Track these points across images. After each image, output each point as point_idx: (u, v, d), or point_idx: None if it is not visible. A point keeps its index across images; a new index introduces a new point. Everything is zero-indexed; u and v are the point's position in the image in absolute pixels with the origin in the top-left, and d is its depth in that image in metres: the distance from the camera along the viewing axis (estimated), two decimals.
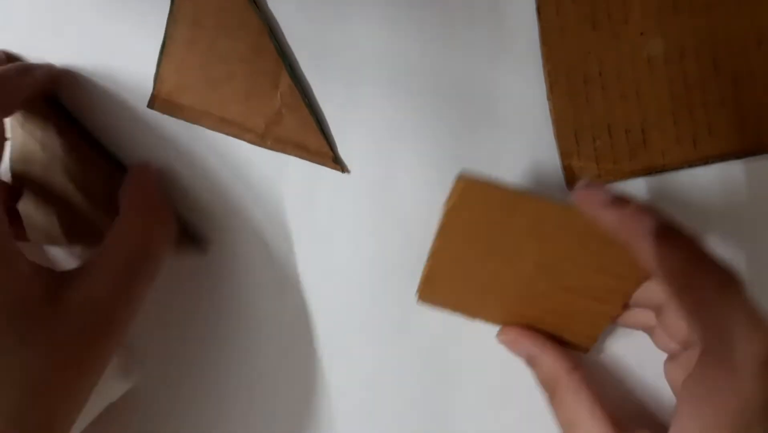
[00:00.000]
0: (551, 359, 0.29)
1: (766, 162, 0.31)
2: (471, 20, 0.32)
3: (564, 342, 0.30)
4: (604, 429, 0.27)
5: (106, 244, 0.28)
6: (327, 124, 0.32)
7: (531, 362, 0.30)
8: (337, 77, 0.32)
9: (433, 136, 0.32)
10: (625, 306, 0.29)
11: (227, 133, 0.33)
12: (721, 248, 0.31)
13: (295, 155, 0.32)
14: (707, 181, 0.31)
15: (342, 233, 0.33)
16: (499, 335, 0.31)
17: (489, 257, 0.29)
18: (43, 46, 0.33)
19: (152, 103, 0.33)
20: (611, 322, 0.30)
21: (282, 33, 0.32)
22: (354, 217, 0.33)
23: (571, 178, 0.31)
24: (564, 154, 0.31)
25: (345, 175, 0.32)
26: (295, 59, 0.32)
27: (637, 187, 0.31)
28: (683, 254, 0.22)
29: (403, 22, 0.32)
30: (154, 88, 0.33)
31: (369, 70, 0.32)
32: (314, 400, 0.34)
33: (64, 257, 0.34)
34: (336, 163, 0.32)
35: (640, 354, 0.31)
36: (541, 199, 0.27)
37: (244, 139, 0.32)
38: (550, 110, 0.31)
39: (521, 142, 0.32)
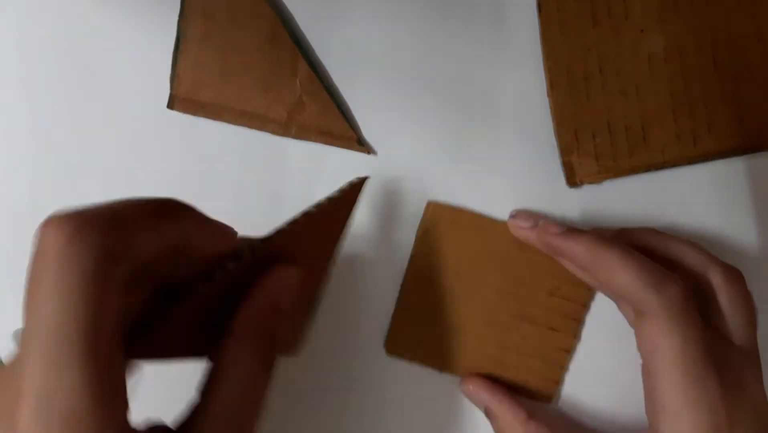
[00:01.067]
0: (507, 410, 0.29)
1: (764, 160, 0.31)
2: (472, 16, 0.32)
3: (528, 392, 0.31)
4: None
5: (214, 391, 0.21)
6: (348, 108, 0.33)
7: (488, 414, 0.30)
8: (341, 70, 0.32)
9: (434, 131, 0.32)
10: (577, 337, 0.31)
11: (250, 126, 0.32)
12: (720, 243, 0.31)
13: (320, 141, 0.32)
14: (707, 178, 0.31)
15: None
16: (460, 385, 0.31)
17: (455, 284, 0.31)
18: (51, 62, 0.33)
19: (172, 104, 0.32)
20: (568, 357, 0.31)
21: (296, 21, 0.32)
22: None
23: (570, 174, 0.31)
24: (564, 150, 0.31)
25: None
26: (311, 47, 0.32)
27: (636, 184, 0.31)
28: (585, 244, 0.27)
29: (405, 16, 0.32)
30: (171, 89, 0.32)
31: (370, 63, 0.32)
32: None
33: None
34: (361, 145, 0.32)
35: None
36: (498, 222, 0.31)
37: (268, 130, 0.32)
38: (550, 107, 0.31)
39: (521, 138, 0.32)
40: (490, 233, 0.31)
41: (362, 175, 0.27)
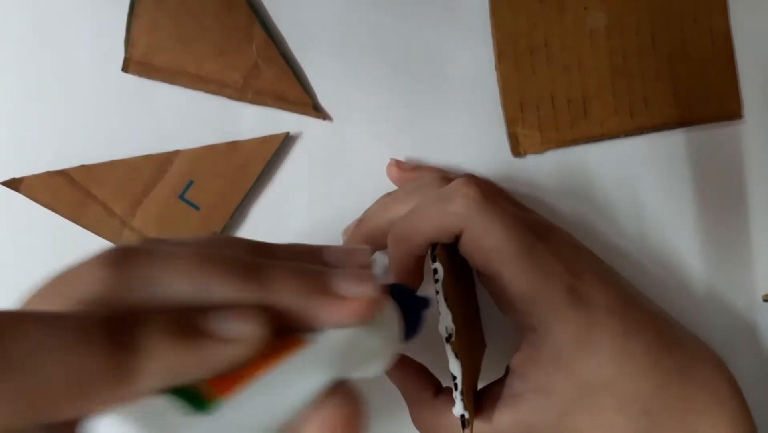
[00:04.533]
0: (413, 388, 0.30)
1: (696, 133, 0.33)
2: None
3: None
4: (482, 416, 0.27)
5: None
6: (304, 74, 0.33)
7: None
8: (295, 38, 0.33)
9: (386, 101, 0.33)
10: None
11: (205, 91, 0.33)
12: (651, 211, 0.33)
13: (276, 107, 0.33)
14: (643, 150, 0.33)
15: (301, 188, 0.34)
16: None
17: None
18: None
19: (126, 67, 0.33)
20: None
21: None
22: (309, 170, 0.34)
23: (515, 145, 0.33)
24: (509, 121, 0.33)
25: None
26: (267, 13, 0.33)
27: (577, 154, 0.33)
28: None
29: None
30: (126, 52, 0.33)
31: (324, 34, 0.33)
32: None
33: None
34: (317, 111, 0.33)
35: None
36: None
37: (223, 95, 0.33)
38: (498, 79, 0.33)
39: (469, 109, 0.33)
40: None
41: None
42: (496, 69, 0.32)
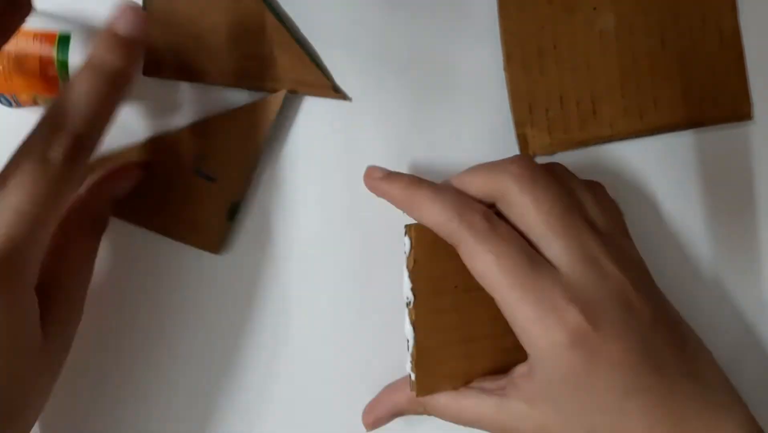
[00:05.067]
0: (397, 397, 0.31)
1: (706, 134, 0.33)
2: None
3: None
4: (473, 398, 0.28)
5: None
6: (319, 58, 0.33)
7: (398, 413, 0.31)
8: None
9: (393, 103, 0.33)
10: None
11: (225, 85, 0.33)
12: (661, 212, 0.33)
13: (296, 92, 0.33)
14: (652, 151, 0.33)
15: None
16: (366, 425, 0.32)
17: (459, 298, 0.29)
18: None
19: (146, 70, 0.32)
20: None
21: None
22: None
23: (524, 146, 0.33)
24: (518, 123, 0.33)
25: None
26: (277, 1, 0.33)
27: (586, 155, 0.33)
28: (401, 185, 0.29)
29: None
30: (144, 55, 0.32)
31: (332, 35, 0.33)
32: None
33: None
34: (337, 92, 0.33)
35: None
36: None
37: (242, 87, 0.33)
38: (506, 81, 0.33)
39: (478, 111, 0.33)
40: None
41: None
42: (505, 71, 0.32)
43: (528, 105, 0.32)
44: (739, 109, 0.33)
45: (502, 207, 0.28)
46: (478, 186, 0.28)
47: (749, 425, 0.25)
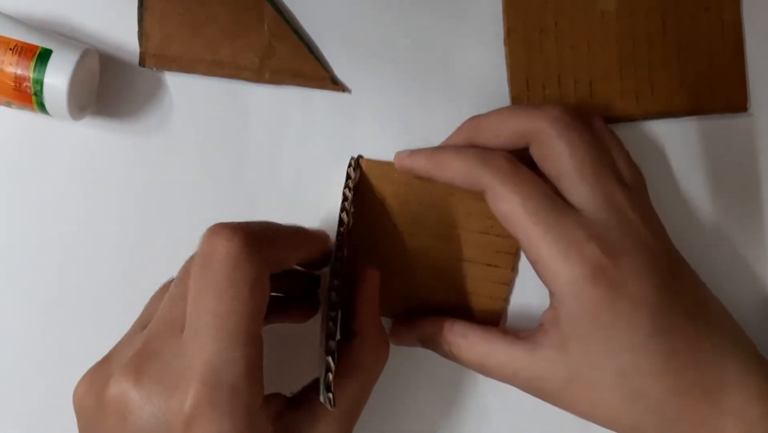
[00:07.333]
0: (429, 327, 0.30)
1: (703, 123, 0.33)
2: None
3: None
4: (504, 341, 0.28)
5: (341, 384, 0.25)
6: (318, 49, 0.33)
7: (422, 342, 0.31)
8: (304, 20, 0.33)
9: (392, 94, 0.33)
10: (514, 269, 0.32)
11: (223, 76, 0.32)
12: (656, 198, 0.33)
13: (294, 84, 0.33)
14: (646, 136, 0.33)
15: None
16: (390, 336, 0.31)
17: (394, 235, 0.32)
18: None
19: (143, 61, 0.32)
20: (508, 290, 0.32)
21: None
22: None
23: None
24: (515, 98, 0.32)
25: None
26: None
27: None
28: (425, 154, 0.30)
29: None
30: (141, 46, 0.32)
31: (331, 29, 0.33)
32: None
33: None
34: (335, 84, 0.33)
35: None
36: None
37: (241, 78, 0.32)
38: (505, 55, 0.32)
39: (477, 101, 0.33)
40: (418, 183, 0.31)
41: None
42: (505, 44, 0.32)
43: (525, 80, 0.32)
44: (735, 101, 0.33)
45: (534, 148, 0.28)
46: (511, 125, 0.29)
47: None
